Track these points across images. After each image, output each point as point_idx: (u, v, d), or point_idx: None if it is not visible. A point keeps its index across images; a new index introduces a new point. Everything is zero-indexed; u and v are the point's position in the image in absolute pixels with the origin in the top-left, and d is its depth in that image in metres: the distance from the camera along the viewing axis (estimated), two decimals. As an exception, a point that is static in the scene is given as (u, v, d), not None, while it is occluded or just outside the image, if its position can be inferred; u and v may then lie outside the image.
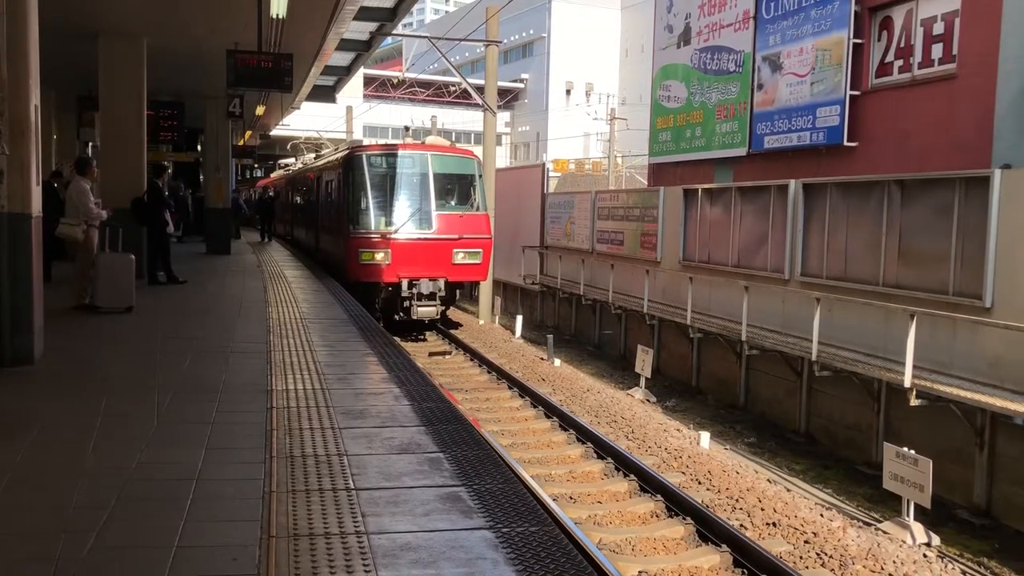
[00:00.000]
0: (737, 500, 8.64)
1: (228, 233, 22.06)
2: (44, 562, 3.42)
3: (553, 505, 7.66)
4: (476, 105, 27.55)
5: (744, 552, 7.06)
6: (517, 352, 16.93)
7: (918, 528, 8.25)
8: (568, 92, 62.63)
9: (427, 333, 17.89)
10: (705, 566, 7.06)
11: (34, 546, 3.61)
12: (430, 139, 18.57)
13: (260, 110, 21.34)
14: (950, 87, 13.45)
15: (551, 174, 34.77)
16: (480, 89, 22.87)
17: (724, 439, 12.08)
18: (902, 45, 14.65)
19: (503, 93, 55.36)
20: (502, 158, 53.85)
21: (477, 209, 17.24)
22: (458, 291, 18.76)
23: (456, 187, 17.37)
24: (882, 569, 7.15)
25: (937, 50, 13.94)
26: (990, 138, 12.58)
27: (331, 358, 8.02)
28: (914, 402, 9.67)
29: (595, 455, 9.93)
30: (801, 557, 7.39)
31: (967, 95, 13.08)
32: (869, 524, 8.54)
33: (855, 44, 15.11)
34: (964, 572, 7.65)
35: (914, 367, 9.64)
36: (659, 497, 8.42)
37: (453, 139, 24.31)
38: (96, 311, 10.27)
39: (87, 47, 13.88)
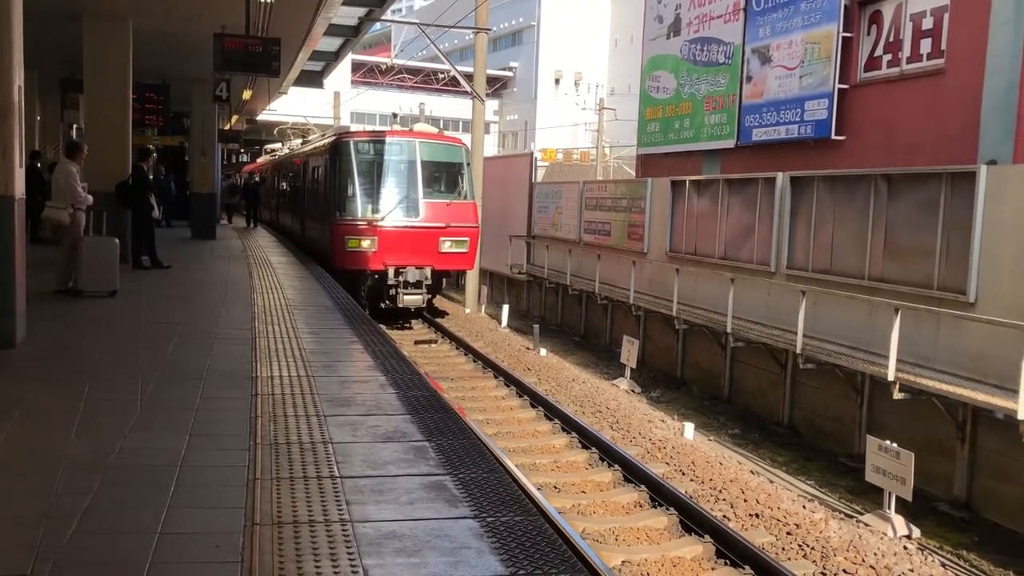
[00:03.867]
0: (720, 491, 8.69)
1: (214, 218, 21.93)
2: (25, 548, 3.40)
3: (538, 495, 7.67)
4: (465, 93, 27.43)
5: (727, 543, 7.10)
6: (503, 341, 16.94)
7: (899, 520, 8.31)
8: (557, 81, 62.57)
9: (413, 321, 17.86)
10: (688, 556, 7.09)
11: (15, 532, 3.58)
12: (418, 126, 18.49)
13: (247, 94, 21.20)
14: (938, 82, 13.50)
15: (539, 163, 34.74)
16: (469, 77, 22.77)
17: (708, 430, 12.14)
18: (891, 39, 14.68)
19: (492, 81, 55.21)
20: (490, 146, 53.76)
21: (465, 197, 17.20)
22: (444, 280, 18.73)
23: (444, 175, 17.31)
24: (863, 561, 7.21)
25: (926, 45, 13.98)
26: (976, 134, 12.64)
27: (316, 345, 7.99)
28: (897, 395, 9.73)
29: (580, 445, 9.96)
30: (783, 548, 7.43)
31: (955, 90, 13.13)
32: (851, 516, 8.61)
33: (844, 38, 15.13)
34: (944, 564, 7.71)
35: (898, 361, 9.69)
36: (643, 487, 8.45)
37: (441, 126, 24.21)
38: (80, 295, 10.19)
39: (72, 28, 13.73)
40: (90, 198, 10.86)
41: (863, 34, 15.18)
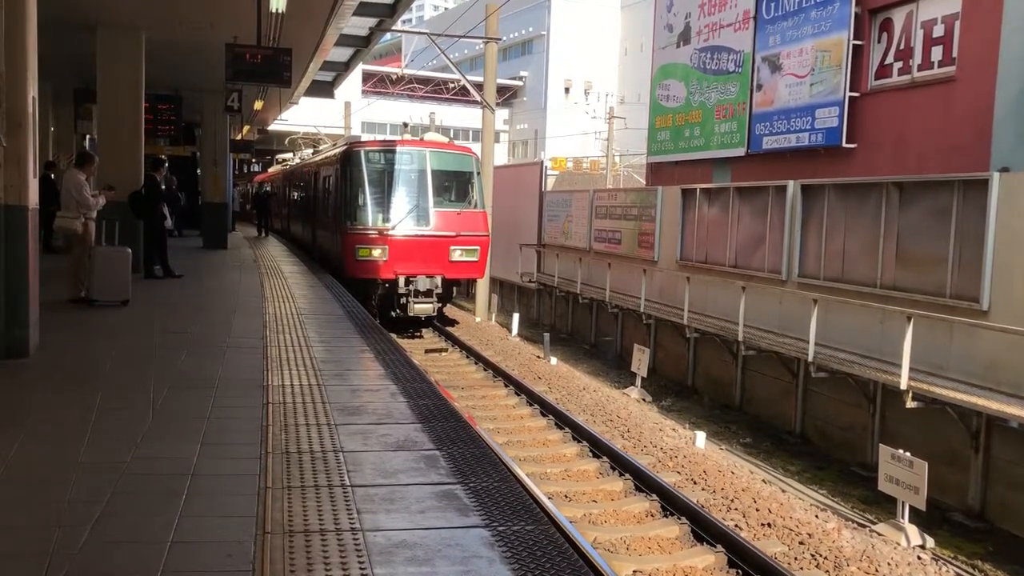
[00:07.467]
0: (732, 500, 8.65)
1: (225, 228, 22.03)
2: (38, 557, 3.41)
3: (548, 504, 7.66)
4: (475, 102, 27.53)
5: (739, 553, 7.06)
6: (513, 350, 16.92)
7: (913, 530, 8.25)
8: (567, 90, 62.61)
9: (424, 330, 17.88)
10: (700, 566, 7.06)
11: (28, 540, 3.60)
12: (428, 136, 18.53)
13: (258, 104, 21.29)
14: (949, 89, 13.45)
15: (549, 172, 34.76)
16: (479, 86, 22.83)
17: (719, 439, 12.09)
18: (902, 47, 14.64)
19: (502, 90, 55.31)
20: (500, 155, 53.79)
21: (475, 206, 17.22)
22: (455, 288, 18.76)
23: (454, 184, 17.35)
24: (876, 571, 7.16)
25: (937, 52, 13.94)
26: (988, 141, 12.58)
27: (327, 354, 8.00)
28: (910, 404, 9.67)
29: (591, 454, 9.93)
30: (796, 558, 7.39)
31: (966, 98, 13.08)
32: (864, 526, 8.55)
33: (855, 45, 15.10)
34: (958, 574, 7.66)
35: (910, 369, 9.64)
36: (654, 497, 8.42)
37: (451, 136, 24.27)
38: (92, 305, 10.24)
39: (85, 39, 13.84)
40: (102, 199, 10.94)
41: (874, 42, 15.15)
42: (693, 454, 10.16)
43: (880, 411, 11.01)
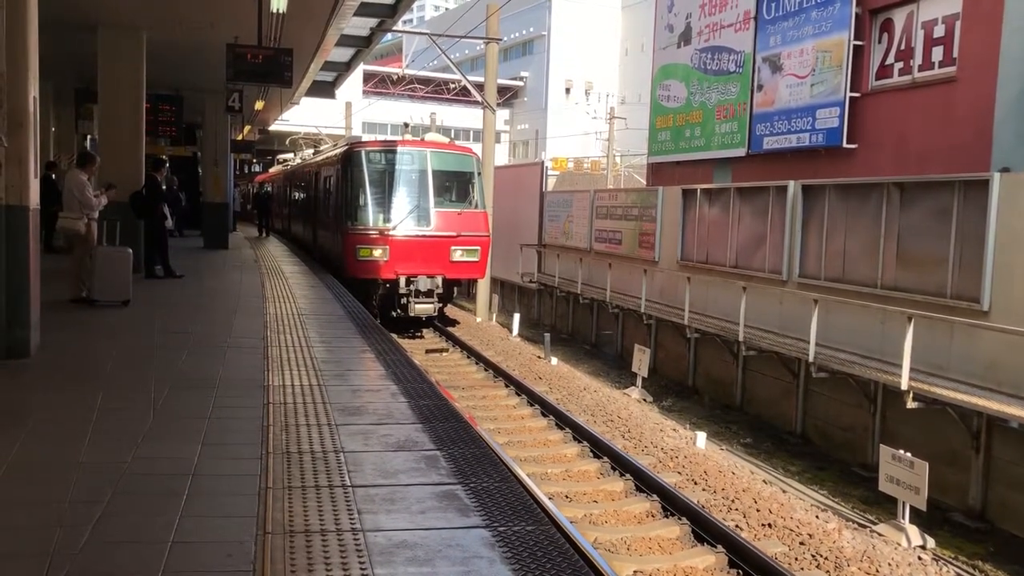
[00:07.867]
0: (733, 501, 8.64)
1: (226, 228, 22.04)
2: (39, 557, 3.41)
3: (549, 504, 7.66)
4: (475, 102, 27.53)
5: (739, 553, 7.06)
6: (514, 350, 16.92)
7: (913, 530, 8.25)
8: (568, 90, 62.62)
9: (424, 330, 17.88)
10: (700, 566, 7.06)
11: (28, 540, 3.60)
12: (429, 136, 18.54)
13: (259, 105, 21.30)
14: (950, 90, 13.45)
15: (550, 172, 34.77)
16: (480, 86, 22.84)
17: (720, 439, 12.09)
18: (902, 47, 14.64)
19: (503, 91, 55.31)
20: (501, 156, 53.81)
21: (475, 207, 17.22)
22: (456, 288, 18.76)
23: (455, 184, 17.36)
24: (877, 571, 7.16)
25: (937, 53, 13.94)
26: (989, 141, 12.59)
27: (328, 354, 8.00)
28: (911, 405, 9.67)
29: (591, 454, 9.93)
30: (796, 559, 7.39)
31: (967, 98, 13.08)
32: (864, 526, 8.55)
33: (855, 46, 15.11)
34: (959, 575, 7.65)
35: (911, 369, 9.64)
36: (655, 497, 8.42)
37: (452, 136, 24.28)
38: (93, 305, 10.25)
39: (86, 39, 13.85)
40: (104, 199, 10.96)
41: (874, 42, 15.15)
42: (694, 454, 10.16)
43: (881, 411, 11.01)
